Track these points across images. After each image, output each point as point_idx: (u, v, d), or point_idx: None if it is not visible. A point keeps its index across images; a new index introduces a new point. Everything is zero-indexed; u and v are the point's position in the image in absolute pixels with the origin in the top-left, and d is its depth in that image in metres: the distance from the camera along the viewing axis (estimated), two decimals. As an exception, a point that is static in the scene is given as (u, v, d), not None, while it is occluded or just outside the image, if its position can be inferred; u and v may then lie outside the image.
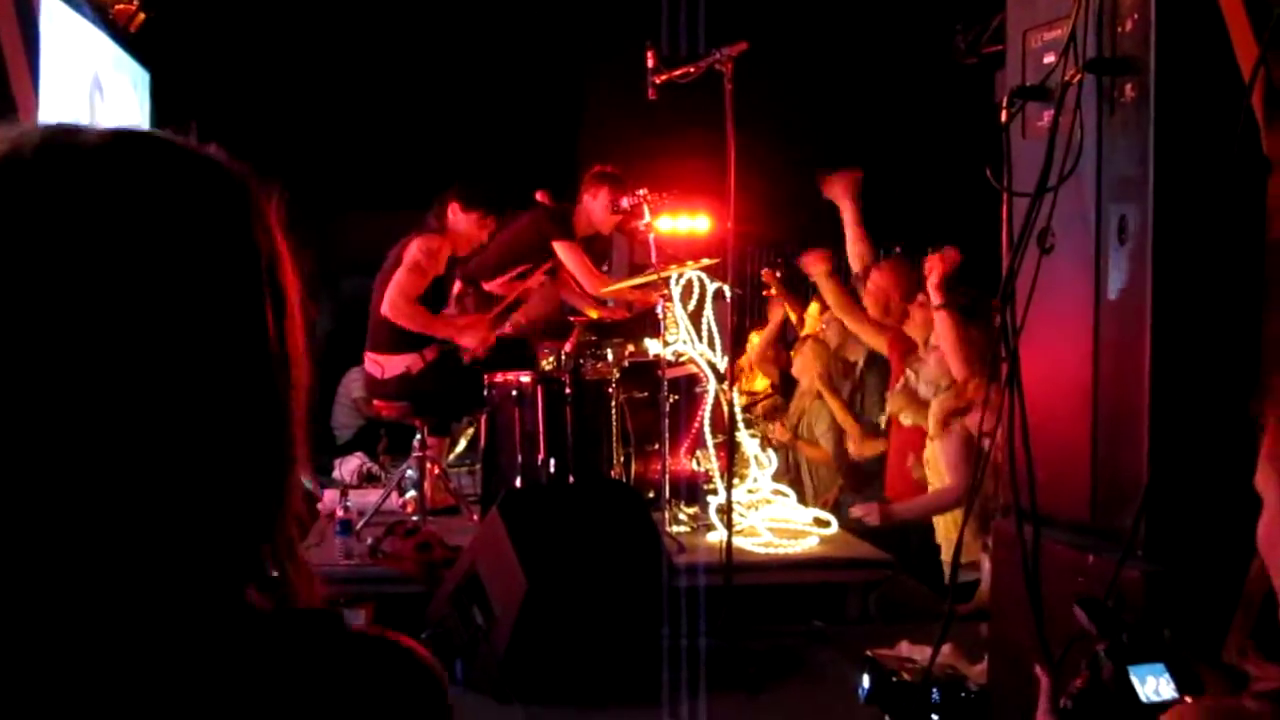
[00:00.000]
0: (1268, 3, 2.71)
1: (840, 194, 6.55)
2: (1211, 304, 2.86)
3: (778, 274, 7.70)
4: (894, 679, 4.03)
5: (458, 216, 6.41)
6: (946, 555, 5.60)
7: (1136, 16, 2.90)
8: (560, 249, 6.61)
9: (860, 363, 6.80)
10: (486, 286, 6.81)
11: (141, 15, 8.46)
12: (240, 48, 9.67)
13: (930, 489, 5.67)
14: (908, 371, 5.93)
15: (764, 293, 8.00)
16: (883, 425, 6.40)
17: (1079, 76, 2.98)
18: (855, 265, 6.68)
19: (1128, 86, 2.94)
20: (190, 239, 0.94)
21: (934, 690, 3.91)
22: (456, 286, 6.85)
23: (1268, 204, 2.81)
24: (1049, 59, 3.16)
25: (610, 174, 6.76)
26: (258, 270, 0.98)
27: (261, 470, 0.95)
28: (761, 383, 7.76)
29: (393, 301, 6.18)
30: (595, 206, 6.72)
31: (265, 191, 1.04)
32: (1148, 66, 2.87)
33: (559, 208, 6.81)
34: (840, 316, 6.58)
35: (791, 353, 7.36)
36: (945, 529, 5.60)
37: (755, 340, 7.94)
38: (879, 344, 6.29)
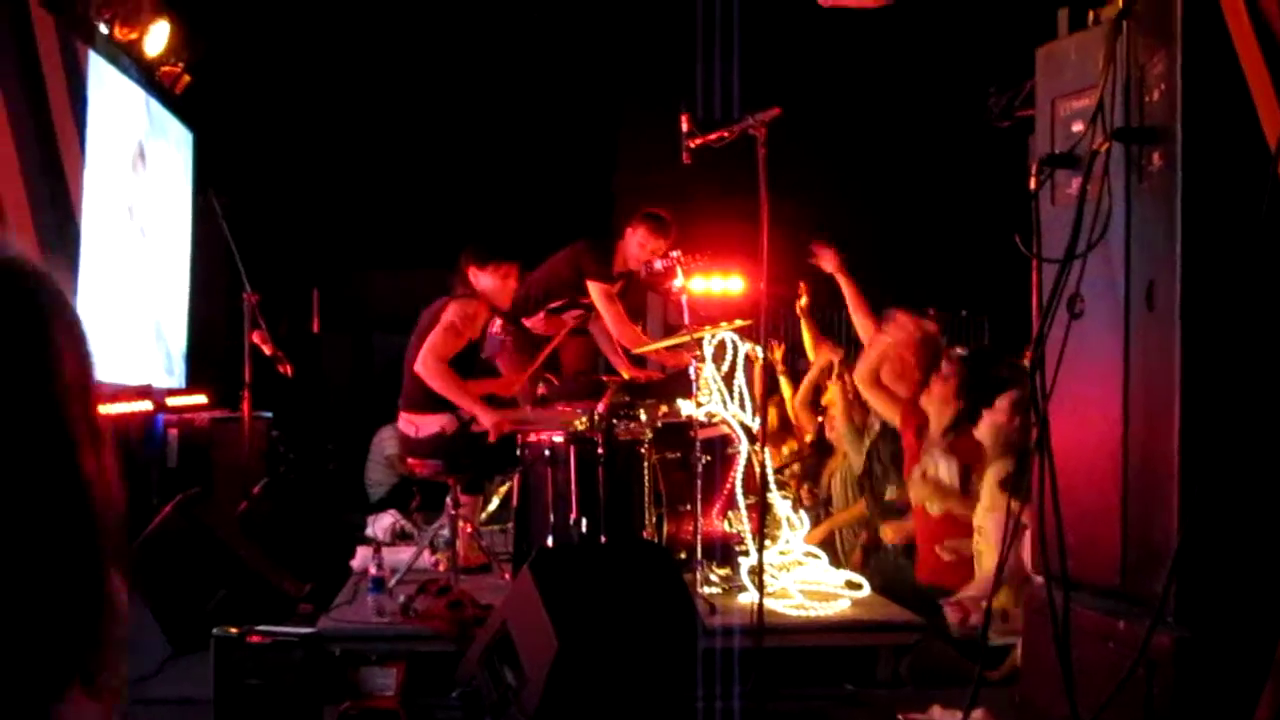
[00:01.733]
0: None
1: (832, 268, 6.66)
2: (1241, 369, 2.87)
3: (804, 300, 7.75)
4: (925, 744, 4.03)
5: (478, 278, 6.45)
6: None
7: (1164, 87, 2.94)
8: (593, 289, 6.66)
9: (877, 424, 6.82)
10: (526, 323, 6.87)
11: (187, 78, 8.62)
12: (280, 109, 9.83)
13: (979, 565, 5.62)
14: (925, 459, 5.93)
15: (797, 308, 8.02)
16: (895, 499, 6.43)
17: (1107, 145, 3.02)
18: (862, 336, 6.73)
19: (1155, 155, 2.97)
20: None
21: (965, 755, 3.90)
22: (496, 326, 6.89)
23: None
24: (1077, 127, 3.21)
25: (653, 215, 6.84)
26: (52, 389, 0.94)
27: (65, 591, 0.92)
28: (789, 445, 7.79)
29: (424, 360, 6.23)
30: (640, 240, 6.79)
31: (62, 299, 0.98)
32: (1175, 135, 2.91)
33: (598, 244, 6.88)
34: (858, 325, 6.61)
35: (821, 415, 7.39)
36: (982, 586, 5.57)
37: (787, 393, 7.97)
38: (892, 416, 6.30)
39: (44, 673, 0.91)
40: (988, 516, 5.57)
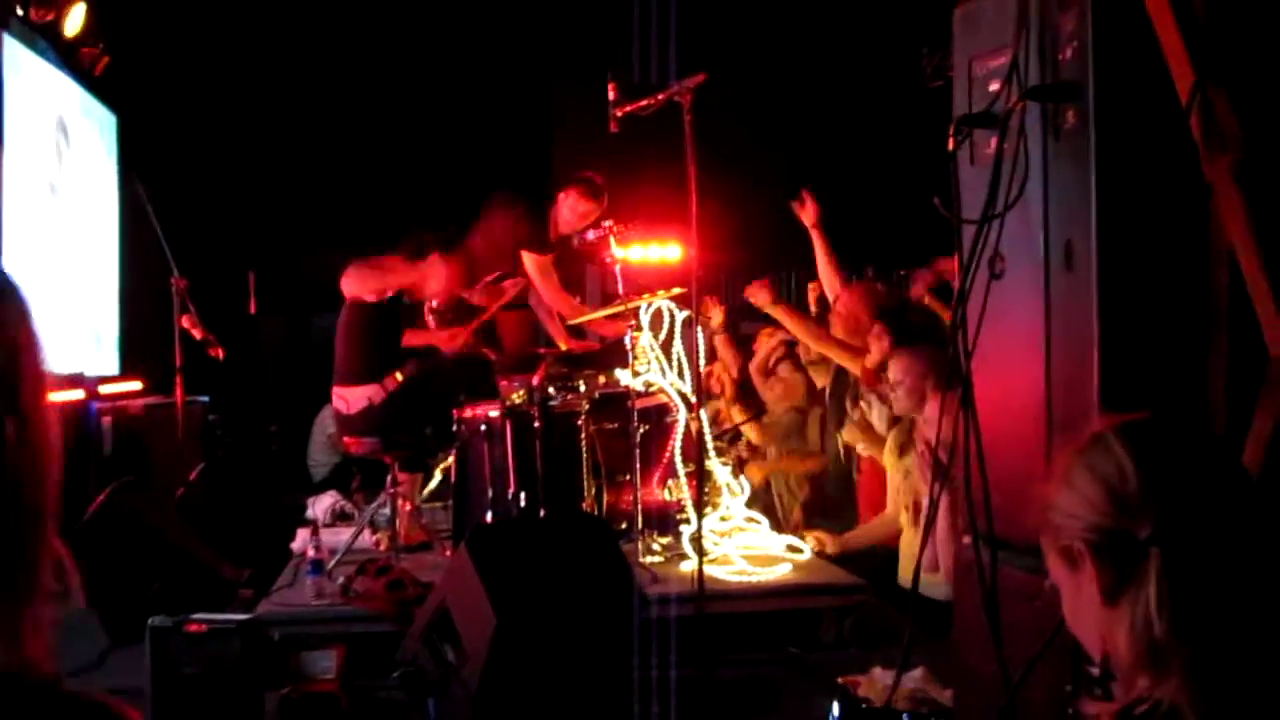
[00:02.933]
0: (1203, 29, 2.75)
1: (810, 221, 6.66)
2: (1158, 326, 2.89)
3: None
4: (863, 705, 4.05)
5: (436, 268, 6.47)
6: (906, 576, 5.60)
7: (1075, 44, 2.94)
8: (528, 260, 6.63)
9: (827, 388, 6.83)
10: (465, 294, 6.84)
11: (106, 59, 8.47)
12: (206, 88, 9.68)
13: (905, 513, 5.67)
14: (862, 403, 5.96)
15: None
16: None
17: (1021, 104, 3.01)
18: (829, 292, 6.74)
19: (1070, 113, 2.97)
20: None
21: (903, 716, 3.92)
22: (434, 301, 6.87)
23: (1211, 226, 2.84)
24: (994, 86, 3.20)
25: (584, 179, 6.82)
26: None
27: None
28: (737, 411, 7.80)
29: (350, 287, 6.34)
30: (564, 207, 6.76)
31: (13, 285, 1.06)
32: (1087, 93, 2.90)
33: (533, 213, 6.84)
34: (804, 340, 6.62)
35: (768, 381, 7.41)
36: (908, 551, 5.60)
37: (718, 370, 7.97)
38: (851, 363, 6.29)
39: None
40: (892, 474, 5.61)
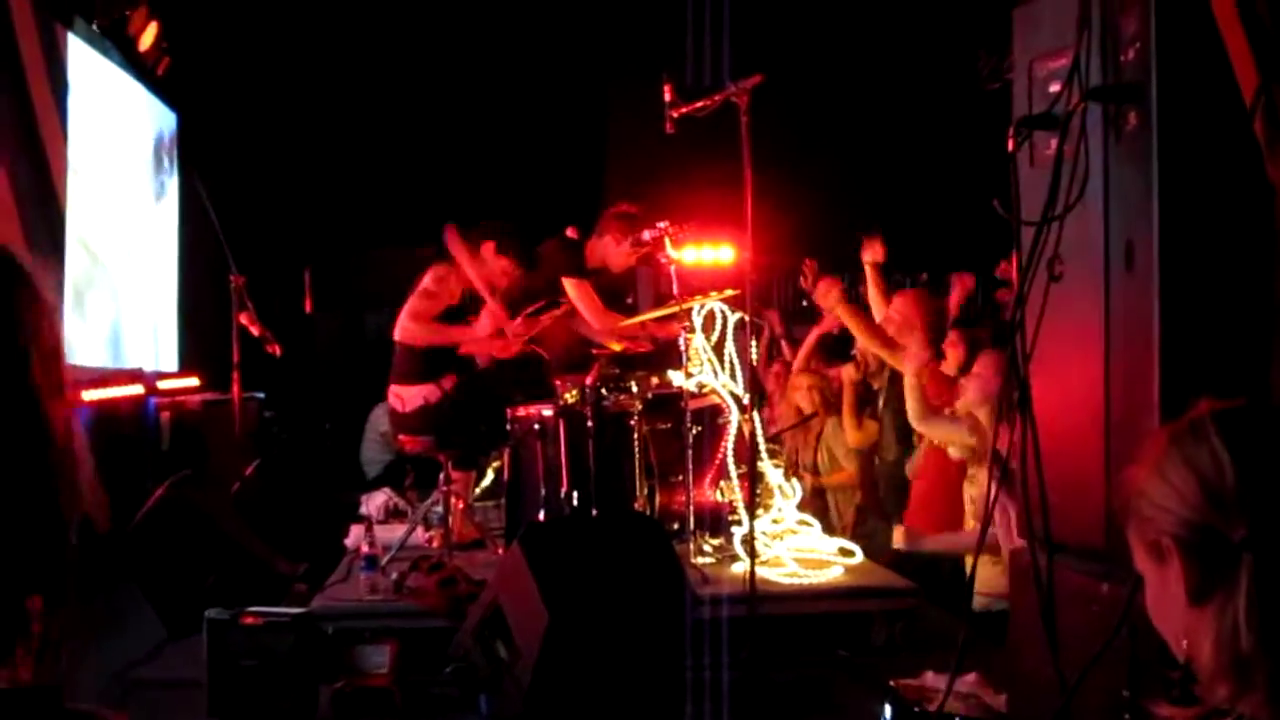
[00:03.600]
0: (1268, 30, 2.72)
1: (872, 260, 6.68)
2: (1220, 327, 2.86)
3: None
4: (915, 709, 4.03)
5: (491, 256, 6.56)
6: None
7: (1138, 45, 2.92)
8: (569, 285, 6.62)
9: (881, 398, 6.83)
10: (508, 329, 6.85)
11: (168, 59, 8.58)
12: (265, 88, 9.78)
13: (973, 521, 5.61)
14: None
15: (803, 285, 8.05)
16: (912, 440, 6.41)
17: (1083, 105, 2.99)
18: (877, 316, 6.75)
19: (1131, 114, 2.95)
20: None
21: (956, 719, 3.90)
22: (483, 320, 6.89)
23: (1275, 227, 2.81)
24: (1055, 88, 3.18)
25: (625, 214, 6.78)
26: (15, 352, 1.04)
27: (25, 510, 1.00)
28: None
29: (403, 325, 6.34)
30: (608, 245, 6.74)
31: (25, 274, 1.08)
32: (1150, 94, 2.88)
33: (572, 242, 6.84)
34: (864, 342, 6.59)
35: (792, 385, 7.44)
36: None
37: (775, 369, 7.99)
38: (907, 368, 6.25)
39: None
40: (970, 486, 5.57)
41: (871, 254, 6.76)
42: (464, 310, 6.67)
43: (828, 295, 6.60)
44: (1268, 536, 1.43)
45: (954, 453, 5.91)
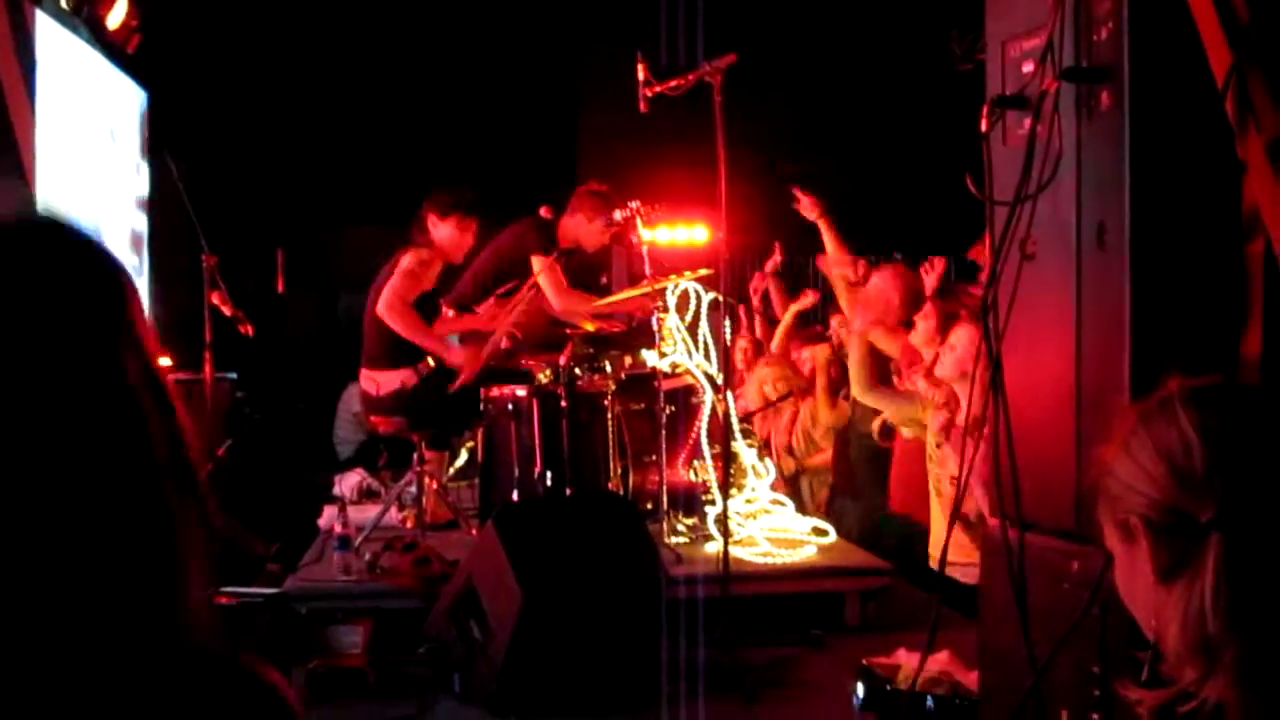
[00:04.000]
0: (1240, 9, 2.73)
1: (814, 215, 6.65)
2: (1190, 307, 2.88)
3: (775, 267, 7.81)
4: (888, 687, 4.06)
5: (437, 227, 6.46)
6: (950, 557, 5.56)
7: (1111, 25, 2.92)
8: (536, 263, 6.59)
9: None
10: (476, 309, 6.82)
11: (139, 36, 8.51)
12: (236, 66, 9.71)
13: (936, 496, 5.62)
14: (906, 383, 5.92)
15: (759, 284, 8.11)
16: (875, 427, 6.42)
17: (1056, 85, 3.00)
18: (839, 278, 6.74)
19: (1104, 94, 2.95)
20: (50, 312, 1.00)
21: (928, 698, 3.93)
22: (448, 313, 6.82)
23: (1244, 208, 2.83)
24: (1028, 68, 3.18)
25: (597, 192, 6.76)
26: (118, 347, 1.03)
27: (146, 548, 0.99)
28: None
29: (388, 302, 6.21)
30: (580, 224, 6.72)
31: (133, 285, 1.08)
32: (1122, 74, 2.89)
33: (541, 222, 6.81)
34: (835, 258, 6.60)
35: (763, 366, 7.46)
36: (938, 535, 5.59)
37: (742, 344, 8.01)
38: (894, 349, 6.27)
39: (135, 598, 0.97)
40: (939, 453, 5.58)
41: (808, 209, 6.72)
42: (437, 295, 6.61)
43: (804, 205, 6.62)
44: (1235, 516, 1.43)
45: (906, 433, 5.94)
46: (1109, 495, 1.56)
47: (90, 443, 0.97)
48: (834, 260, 6.76)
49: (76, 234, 1.06)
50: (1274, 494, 1.45)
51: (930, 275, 6.24)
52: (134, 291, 1.07)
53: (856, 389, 6.06)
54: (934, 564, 5.39)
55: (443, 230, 6.45)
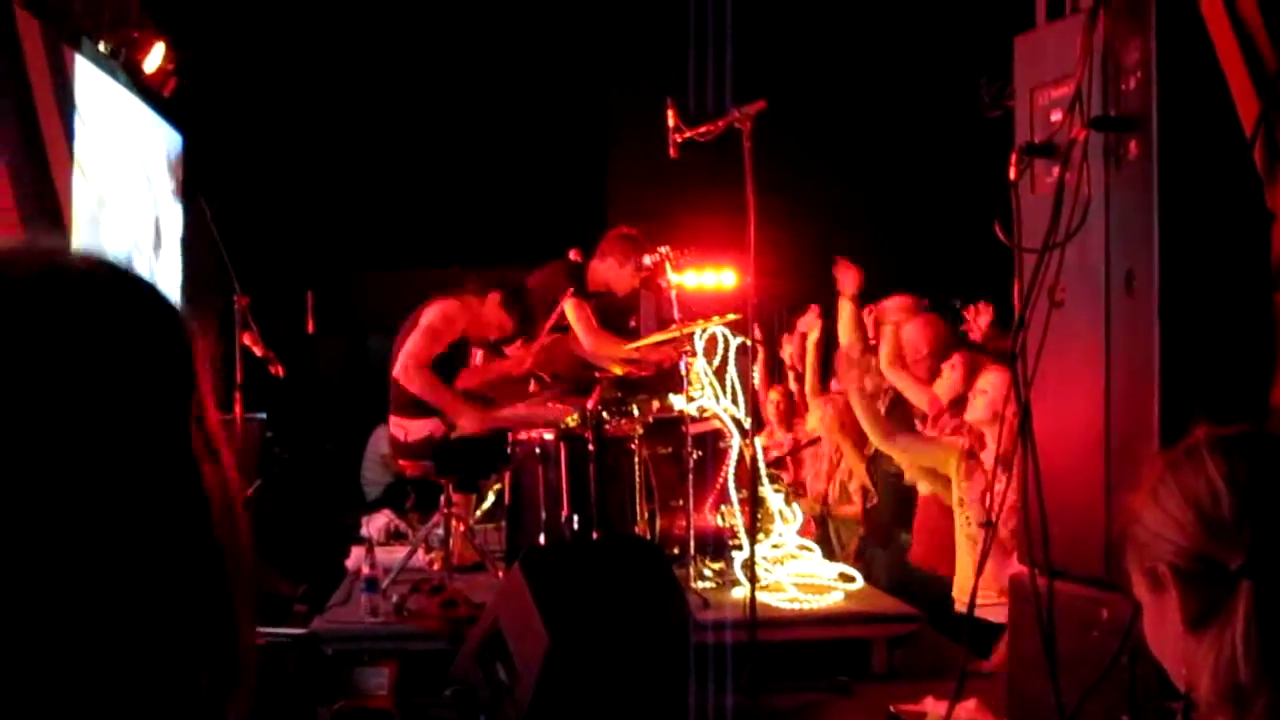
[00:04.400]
0: (1268, 59, 2.74)
1: (849, 292, 6.57)
2: (1220, 353, 2.87)
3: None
4: (915, 735, 4.03)
5: (493, 308, 6.44)
6: (961, 601, 5.55)
7: (1140, 75, 2.94)
8: (568, 305, 6.60)
9: (883, 408, 6.82)
10: (507, 350, 6.84)
11: (175, 81, 8.63)
12: (269, 111, 9.82)
13: (966, 540, 5.59)
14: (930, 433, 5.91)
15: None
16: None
17: (1085, 133, 3.01)
18: (844, 342, 6.74)
19: (1132, 143, 2.97)
20: (121, 383, 0.91)
21: (955, 745, 3.90)
22: (478, 356, 6.85)
23: (1272, 256, 2.83)
24: (1056, 116, 3.21)
25: (627, 235, 6.78)
26: (187, 417, 0.94)
27: (201, 615, 0.92)
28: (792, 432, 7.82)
29: (403, 365, 6.21)
30: (611, 268, 6.74)
31: (195, 330, 1.00)
32: (1151, 123, 2.91)
33: (571, 265, 6.84)
34: (889, 370, 6.55)
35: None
36: (963, 582, 5.56)
37: (775, 396, 7.99)
38: (919, 398, 6.26)
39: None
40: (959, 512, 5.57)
41: (849, 284, 6.65)
42: (463, 347, 6.62)
43: (845, 280, 6.54)
44: (1265, 564, 1.42)
45: (922, 489, 5.93)
46: (1137, 543, 1.55)
47: (152, 525, 0.89)
48: (844, 334, 6.74)
49: (146, 287, 0.97)
50: None
51: (982, 317, 6.25)
52: (202, 351, 0.99)
53: (876, 438, 6.05)
54: (960, 607, 5.37)
55: (494, 314, 6.47)
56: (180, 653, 0.89)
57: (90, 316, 0.92)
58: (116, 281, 0.96)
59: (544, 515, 6.11)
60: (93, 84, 7.39)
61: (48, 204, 6.67)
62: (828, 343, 7.46)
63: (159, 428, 0.91)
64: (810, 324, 7.44)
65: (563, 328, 6.79)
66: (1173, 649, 1.53)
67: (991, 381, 5.20)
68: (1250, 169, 2.77)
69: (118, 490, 0.88)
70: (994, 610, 4.66)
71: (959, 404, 5.76)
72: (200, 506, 0.92)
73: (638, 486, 6.07)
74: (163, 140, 9.12)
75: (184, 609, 0.90)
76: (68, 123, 6.90)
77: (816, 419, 7.19)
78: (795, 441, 7.33)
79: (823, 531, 7.06)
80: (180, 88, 8.76)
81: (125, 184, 8.23)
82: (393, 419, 6.46)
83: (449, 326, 6.30)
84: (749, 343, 5.85)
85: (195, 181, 9.08)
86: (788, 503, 6.45)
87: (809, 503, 7.13)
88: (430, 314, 6.30)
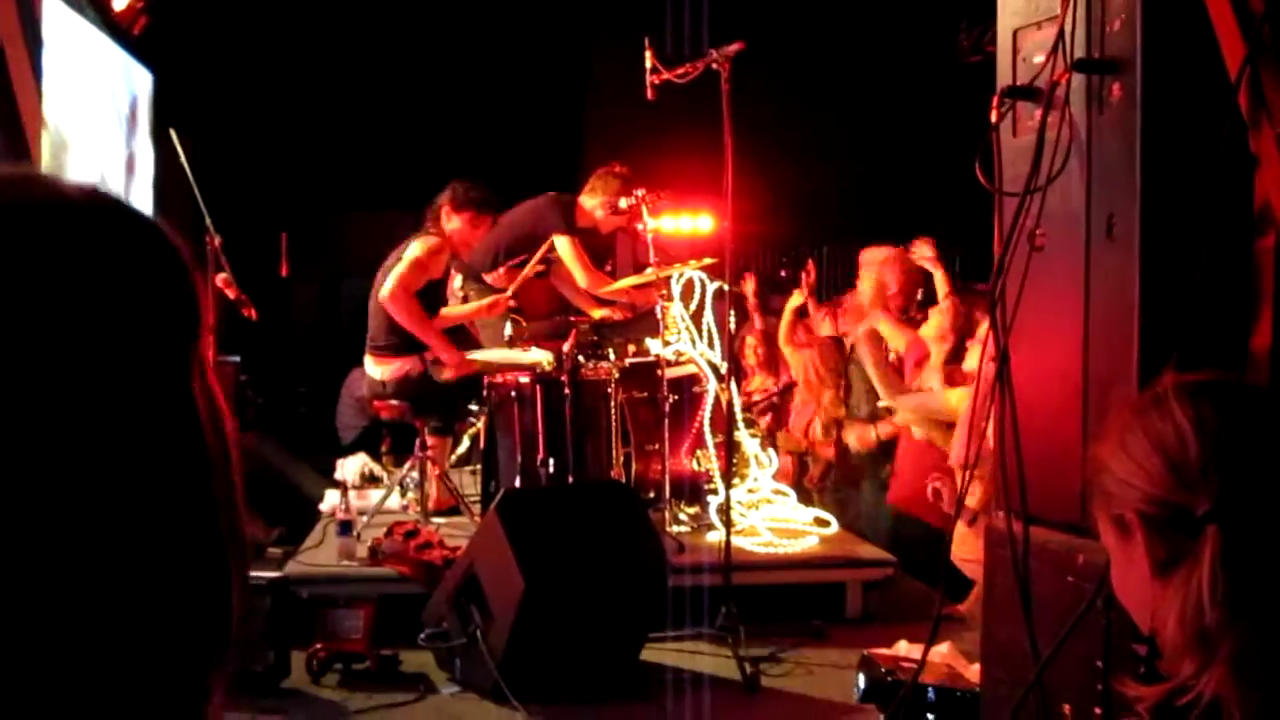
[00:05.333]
0: (1254, 3, 2.71)
1: (930, 262, 6.41)
2: (1199, 300, 2.86)
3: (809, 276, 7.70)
4: (889, 678, 4.05)
5: (450, 219, 6.47)
6: (955, 553, 5.56)
7: (1124, 17, 2.90)
8: (559, 243, 6.58)
9: (849, 354, 6.82)
10: (486, 278, 6.80)
11: (145, 18, 8.49)
12: (242, 52, 9.70)
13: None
14: (920, 383, 5.89)
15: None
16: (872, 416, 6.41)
17: (1067, 76, 2.98)
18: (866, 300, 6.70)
19: (1115, 86, 2.94)
20: (129, 323, 0.84)
21: (929, 689, 3.92)
22: (457, 281, 6.85)
23: (1255, 202, 2.81)
24: (1039, 59, 3.17)
25: (616, 173, 6.73)
26: (190, 360, 0.87)
27: (196, 578, 0.86)
28: (758, 381, 7.81)
29: (392, 291, 6.20)
30: (596, 203, 6.70)
31: (197, 269, 0.91)
32: (1135, 66, 2.87)
33: (562, 199, 6.79)
34: (872, 312, 6.51)
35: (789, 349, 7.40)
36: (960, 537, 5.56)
37: (751, 341, 7.97)
38: (899, 340, 6.24)
39: (188, 676, 0.85)
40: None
41: (924, 256, 6.47)
42: (443, 286, 6.60)
43: (922, 250, 6.38)
44: (1231, 509, 1.43)
45: (917, 433, 5.93)
46: (1104, 491, 1.56)
47: (150, 481, 0.83)
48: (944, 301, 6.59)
49: (148, 222, 0.89)
50: (1270, 485, 1.44)
51: (923, 245, 6.21)
52: (205, 293, 0.90)
53: (886, 395, 6.02)
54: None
55: (455, 223, 6.46)
56: (174, 614, 0.83)
57: (96, 250, 0.84)
58: (119, 215, 0.88)
59: (520, 459, 6.11)
60: (61, 21, 7.26)
61: (16, 143, 6.56)
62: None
63: (165, 370, 0.85)
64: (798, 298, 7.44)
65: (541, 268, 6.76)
66: (1139, 596, 1.54)
67: (952, 303, 5.22)
68: (1235, 113, 2.74)
69: (120, 437, 0.82)
70: (973, 567, 4.67)
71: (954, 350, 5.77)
72: (200, 458, 0.86)
73: (614, 431, 6.07)
74: (134, 79, 8.99)
75: (181, 570, 0.84)
76: (35, 60, 6.78)
77: (799, 365, 7.18)
78: (786, 384, 7.33)
79: (802, 472, 7.07)
80: (151, 25, 8.62)
81: (95, 122, 8.11)
82: (368, 358, 6.45)
83: (433, 260, 6.34)
84: (725, 287, 5.82)
85: (167, 121, 8.96)
86: (763, 448, 6.46)
87: (793, 440, 7.12)
88: (414, 247, 6.32)
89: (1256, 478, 1.45)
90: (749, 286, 7.91)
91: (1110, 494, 1.54)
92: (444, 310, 6.58)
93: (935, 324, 5.79)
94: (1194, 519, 1.44)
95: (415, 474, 6.32)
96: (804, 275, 7.59)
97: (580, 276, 6.63)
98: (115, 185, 8.49)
